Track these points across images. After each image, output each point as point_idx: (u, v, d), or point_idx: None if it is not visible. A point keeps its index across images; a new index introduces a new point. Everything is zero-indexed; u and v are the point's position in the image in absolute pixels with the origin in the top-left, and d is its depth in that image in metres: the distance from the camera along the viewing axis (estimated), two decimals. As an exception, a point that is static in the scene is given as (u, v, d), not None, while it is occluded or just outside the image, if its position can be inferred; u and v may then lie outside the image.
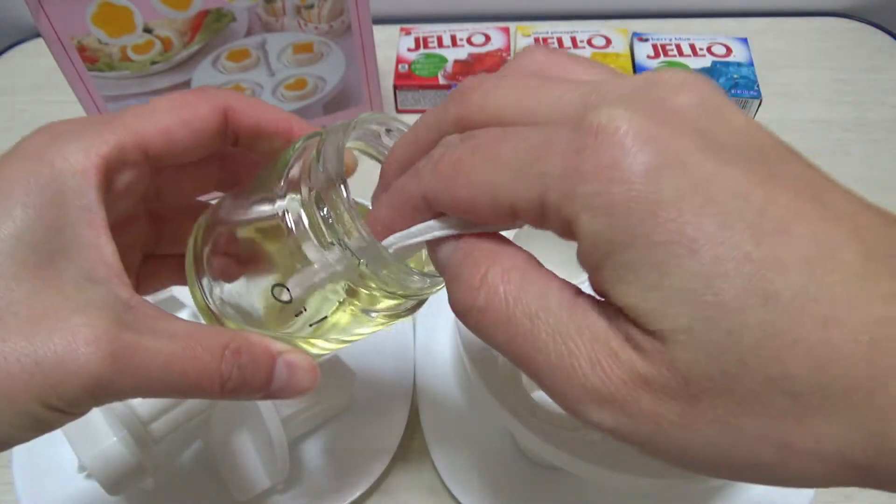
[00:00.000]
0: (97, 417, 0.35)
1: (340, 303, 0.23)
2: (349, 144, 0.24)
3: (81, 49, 0.46)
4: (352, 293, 0.23)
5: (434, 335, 0.46)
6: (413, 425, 0.44)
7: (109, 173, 0.22)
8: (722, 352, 0.15)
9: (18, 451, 0.42)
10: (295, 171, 0.23)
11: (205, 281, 0.26)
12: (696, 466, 0.17)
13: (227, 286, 0.25)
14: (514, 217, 0.18)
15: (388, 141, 0.25)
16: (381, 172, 0.23)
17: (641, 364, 0.16)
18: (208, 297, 0.26)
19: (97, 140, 0.22)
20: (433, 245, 0.20)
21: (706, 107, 0.17)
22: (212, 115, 0.25)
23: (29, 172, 0.21)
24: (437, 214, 0.20)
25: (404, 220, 0.21)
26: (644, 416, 0.16)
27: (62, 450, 0.38)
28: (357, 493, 0.40)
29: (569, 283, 0.19)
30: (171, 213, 0.29)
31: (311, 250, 0.22)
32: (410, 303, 0.24)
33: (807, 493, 0.40)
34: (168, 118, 0.24)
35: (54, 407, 0.20)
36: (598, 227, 0.16)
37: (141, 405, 0.38)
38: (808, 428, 0.15)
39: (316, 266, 0.22)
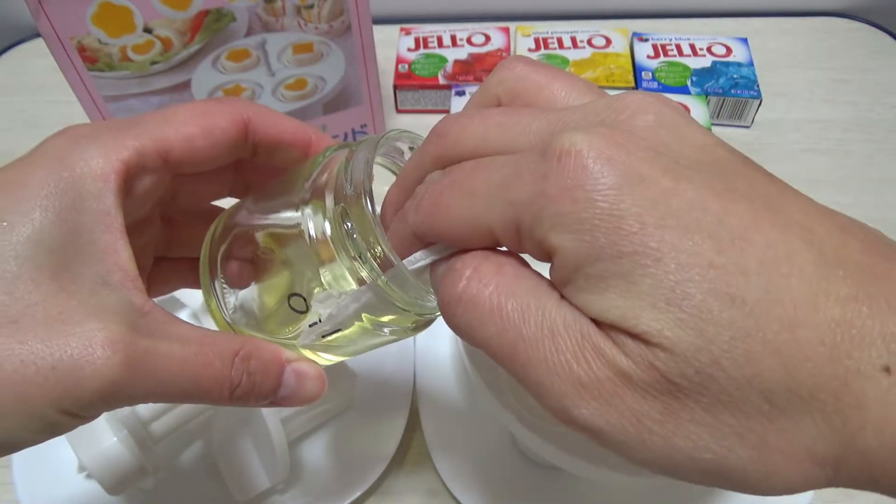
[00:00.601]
0: (98, 418, 0.35)
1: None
2: (378, 161, 0.24)
3: (81, 49, 0.46)
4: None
5: (434, 335, 0.46)
6: (413, 425, 0.44)
7: (129, 178, 0.22)
8: (696, 352, 0.16)
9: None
10: (320, 182, 0.23)
11: (217, 285, 0.26)
12: (681, 471, 0.17)
13: (240, 291, 0.25)
14: (496, 242, 0.19)
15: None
16: (381, 217, 0.23)
17: (625, 362, 0.17)
18: (220, 301, 0.26)
19: (118, 145, 0.22)
20: (431, 268, 0.21)
21: (664, 126, 0.18)
22: (232, 126, 0.25)
23: (49, 175, 0.21)
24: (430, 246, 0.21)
25: (402, 256, 0.21)
26: (627, 414, 0.17)
27: (62, 450, 0.38)
28: (357, 494, 0.40)
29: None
30: (184, 217, 0.29)
31: (331, 263, 0.22)
32: (423, 320, 0.24)
33: (806, 493, 0.40)
34: (189, 126, 0.24)
35: (68, 411, 0.20)
36: (568, 244, 0.17)
37: (142, 406, 0.38)
38: (781, 426, 0.16)
39: (335, 279, 0.22)
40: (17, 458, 0.41)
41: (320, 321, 0.23)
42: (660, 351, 0.16)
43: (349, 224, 0.21)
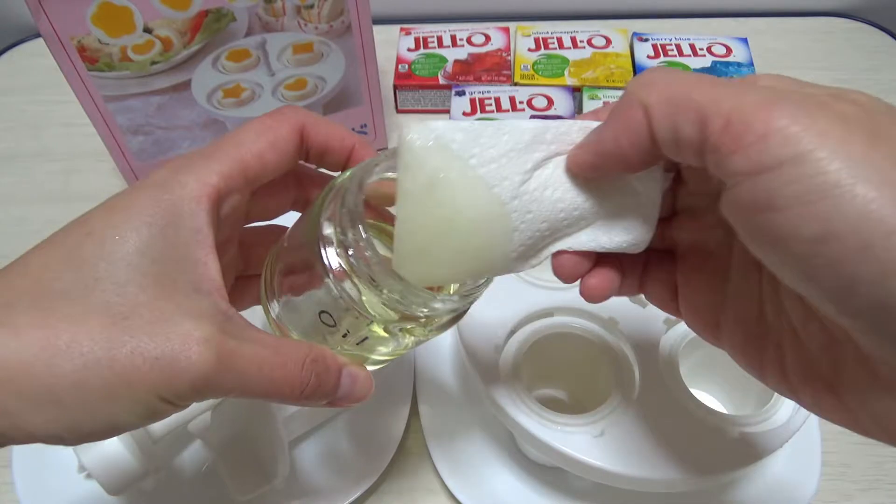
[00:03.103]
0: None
1: (371, 324, 0.26)
2: (385, 175, 0.26)
3: (81, 49, 0.46)
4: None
5: (434, 338, 0.46)
6: (413, 425, 0.44)
7: (219, 200, 0.26)
8: None
9: (19, 451, 0.42)
10: (327, 212, 0.25)
11: (272, 304, 0.28)
12: (827, 241, 0.17)
13: (288, 310, 0.28)
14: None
15: None
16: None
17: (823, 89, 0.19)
18: (276, 318, 0.29)
19: (208, 171, 0.25)
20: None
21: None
22: (292, 136, 0.28)
23: (153, 198, 0.24)
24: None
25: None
26: (823, 123, 0.18)
27: (62, 450, 0.38)
28: (357, 493, 0.40)
29: None
30: (255, 238, 0.32)
31: (340, 283, 0.25)
32: (445, 319, 0.27)
33: (807, 493, 0.40)
34: (259, 144, 0.27)
35: (165, 399, 0.22)
36: None
37: (141, 405, 0.37)
38: None
39: (346, 297, 0.25)
40: (17, 458, 0.41)
41: (349, 332, 0.27)
42: (868, 98, 0.18)
43: (351, 251, 0.24)
